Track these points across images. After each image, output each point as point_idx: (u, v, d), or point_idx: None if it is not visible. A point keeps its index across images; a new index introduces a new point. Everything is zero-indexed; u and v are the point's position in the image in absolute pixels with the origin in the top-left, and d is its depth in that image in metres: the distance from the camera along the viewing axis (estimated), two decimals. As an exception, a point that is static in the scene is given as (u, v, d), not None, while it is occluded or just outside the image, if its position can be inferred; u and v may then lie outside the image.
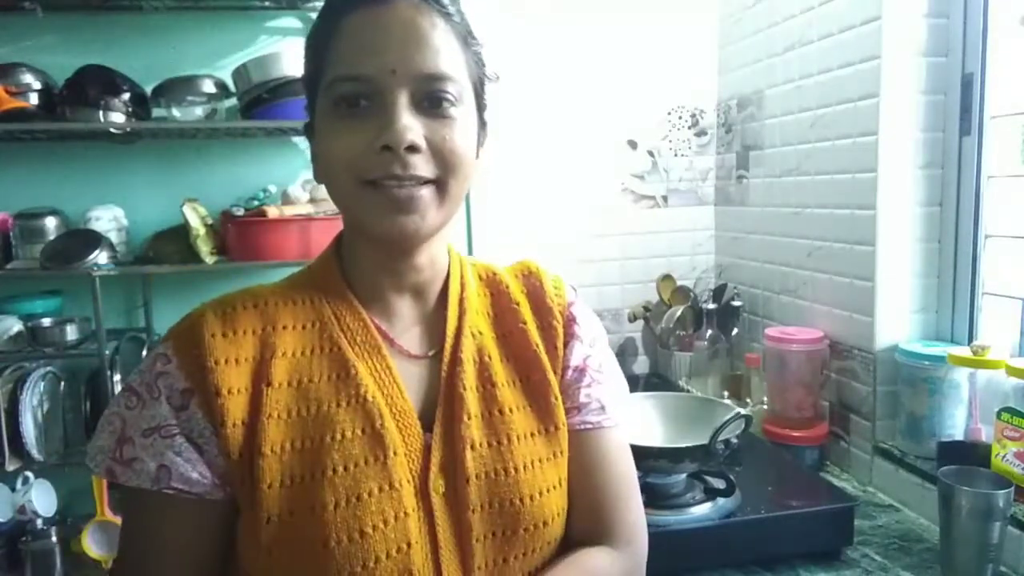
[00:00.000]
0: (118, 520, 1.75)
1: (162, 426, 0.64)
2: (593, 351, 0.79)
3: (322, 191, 1.83)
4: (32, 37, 1.82)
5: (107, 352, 1.72)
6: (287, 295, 0.72)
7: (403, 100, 0.64)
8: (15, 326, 1.73)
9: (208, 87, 1.81)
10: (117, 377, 1.74)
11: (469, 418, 0.70)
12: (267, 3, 1.87)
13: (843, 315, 1.56)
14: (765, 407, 1.66)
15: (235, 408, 0.64)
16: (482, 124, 0.74)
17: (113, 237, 1.80)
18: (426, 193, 0.65)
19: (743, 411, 1.19)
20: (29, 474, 1.77)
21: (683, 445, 1.16)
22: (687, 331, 1.96)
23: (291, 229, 1.77)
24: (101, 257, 1.72)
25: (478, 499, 0.68)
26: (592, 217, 2.08)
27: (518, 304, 0.78)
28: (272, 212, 1.76)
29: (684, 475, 1.23)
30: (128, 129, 1.74)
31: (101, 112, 1.69)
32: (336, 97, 0.65)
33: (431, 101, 0.65)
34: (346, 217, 0.71)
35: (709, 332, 1.95)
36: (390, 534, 0.64)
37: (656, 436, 1.27)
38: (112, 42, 1.84)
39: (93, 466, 0.66)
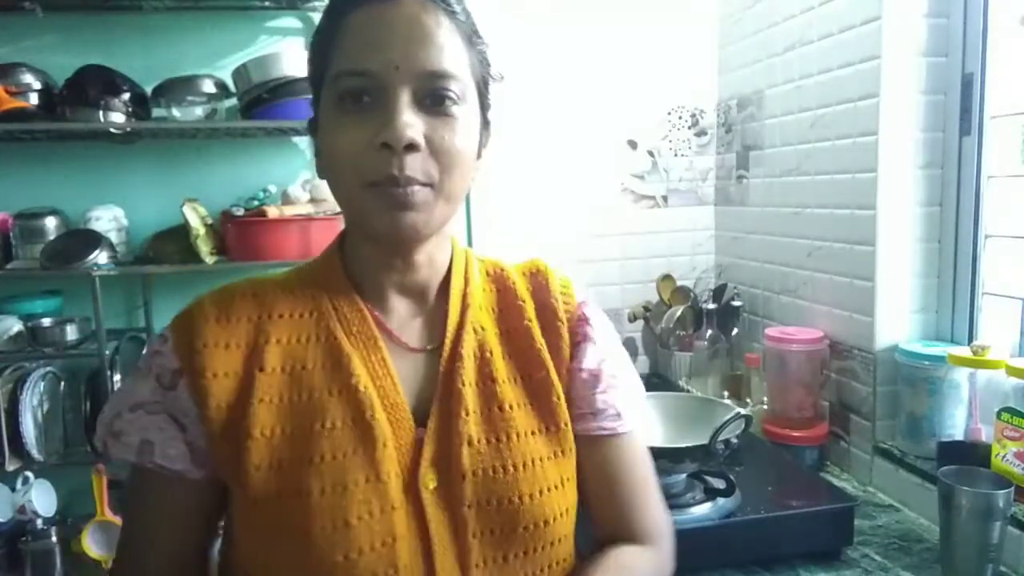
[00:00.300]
0: (118, 520, 1.75)
1: (148, 402, 0.68)
2: (608, 354, 0.78)
3: (322, 191, 1.83)
4: (32, 37, 1.82)
5: (107, 352, 1.72)
6: (287, 285, 0.73)
7: (405, 97, 0.64)
8: (15, 326, 1.73)
9: (208, 87, 1.81)
10: (117, 377, 1.74)
11: (467, 414, 0.69)
12: (267, 3, 1.87)
13: (843, 315, 1.56)
14: (765, 407, 1.66)
15: (220, 390, 0.66)
16: (485, 124, 0.73)
17: (113, 237, 1.80)
18: (426, 193, 0.65)
19: (743, 411, 1.20)
20: (29, 474, 1.78)
21: (683, 445, 1.16)
22: (687, 331, 1.96)
23: (291, 229, 1.77)
24: (101, 257, 1.72)
25: (474, 496, 0.67)
26: (592, 217, 2.08)
27: (523, 302, 0.77)
28: (272, 212, 1.76)
29: (684, 475, 1.23)
30: (128, 129, 1.74)
31: (101, 112, 1.69)
32: (340, 92, 0.65)
33: (433, 99, 0.65)
34: (347, 214, 0.71)
35: (709, 332, 1.95)
36: (375, 526, 0.64)
37: (656, 436, 1.27)
38: (112, 42, 1.84)
39: (95, 438, 0.71)
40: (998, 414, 1.19)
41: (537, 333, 0.76)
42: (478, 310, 0.75)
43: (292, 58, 1.75)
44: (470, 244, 1.98)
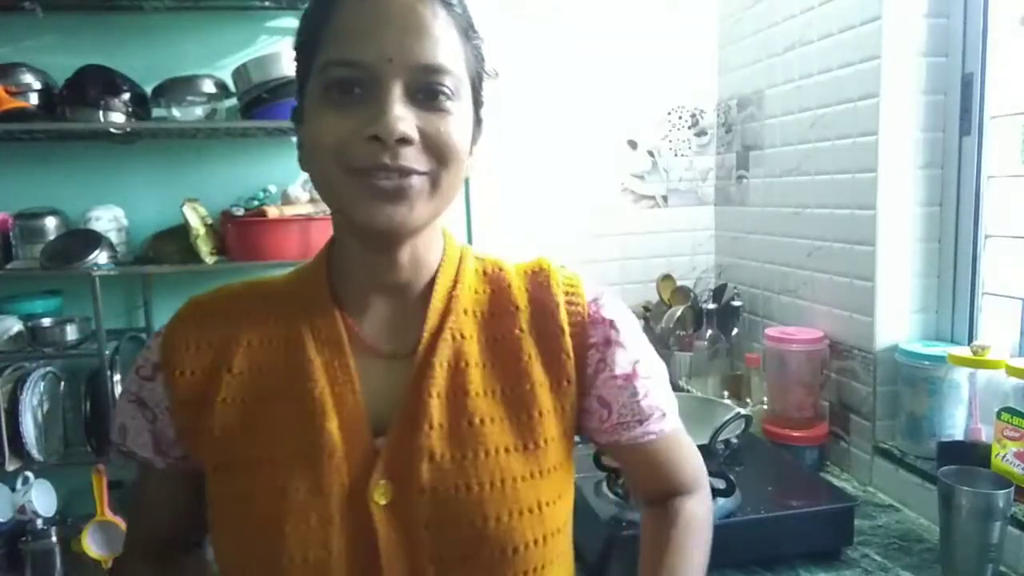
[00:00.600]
0: (118, 520, 1.75)
1: (129, 391, 0.72)
2: (639, 353, 0.73)
3: (322, 191, 1.83)
4: (32, 37, 1.82)
5: (107, 352, 1.72)
6: (273, 287, 0.73)
7: (397, 90, 0.60)
8: (15, 326, 1.73)
9: (208, 87, 1.81)
10: (117, 377, 1.74)
11: (431, 427, 0.65)
12: (267, 3, 1.87)
13: (843, 315, 1.56)
14: (765, 407, 1.66)
15: (186, 388, 0.68)
16: (477, 121, 0.70)
17: (113, 237, 1.80)
18: (417, 183, 0.62)
19: (743, 411, 1.20)
20: (29, 474, 1.78)
21: (683, 445, 1.16)
22: (687, 331, 1.96)
23: (291, 229, 1.77)
24: (101, 257, 1.72)
25: (434, 515, 0.63)
26: (592, 217, 2.08)
27: (516, 308, 0.71)
28: (272, 212, 1.76)
29: (684, 475, 1.23)
30: (128, 129, 1.74)
31: (101, 112, 1.69)
32: (328, 81, 0.62)
33: (427, 93, 0.62)
34: (331, 206, 0.67)
35: (709, 332, 1.95)
36: (310, 537, 0.61)
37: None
38: (112, 42, 1.84)
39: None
40: (998, 414, 1.19)
41: (527, 343, 0.70)
42: (462, 315, 0.70)
43: (292, 58, 1.75)
44: (470, 243, 1.98)
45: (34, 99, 1.71)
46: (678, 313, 1.93)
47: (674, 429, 0.76)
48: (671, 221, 2.14)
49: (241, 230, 1.79)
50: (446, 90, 0.62)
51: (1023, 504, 1.13)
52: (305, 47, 0.65)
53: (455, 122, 0.63)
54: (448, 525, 0.63)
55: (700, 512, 0.78)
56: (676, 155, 2.12)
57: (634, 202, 2.11)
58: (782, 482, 1.35)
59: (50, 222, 1.78)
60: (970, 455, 1.22)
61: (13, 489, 1.78)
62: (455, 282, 0.72)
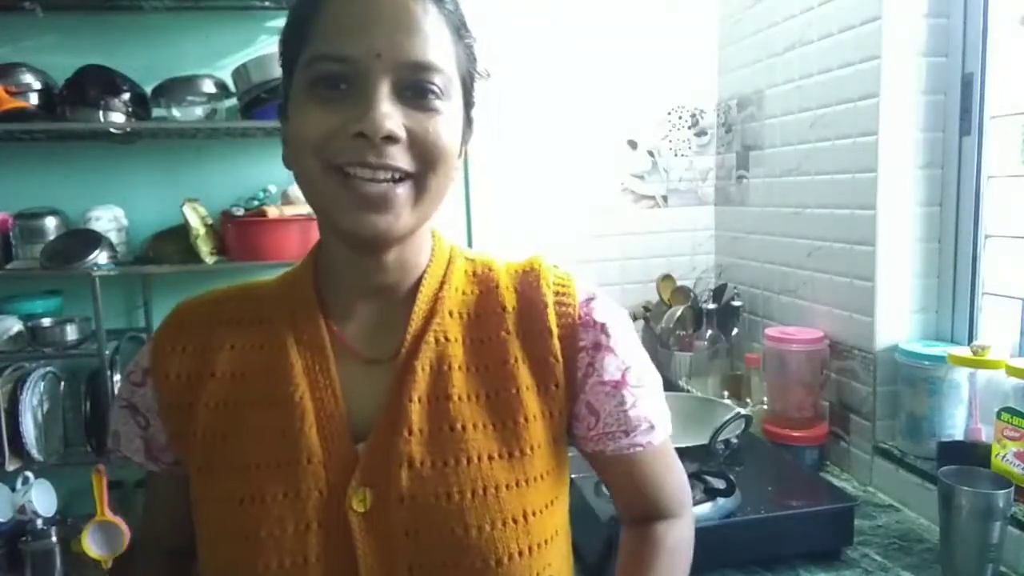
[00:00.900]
0: (118, 520, 1.75)
1: (122, 397, 0.72)
2: (631, 359, 0.70)
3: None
4: (32, 37, 1.82)
5: (107, 352, 1.72)
6: (258, 291, 0.73)
7: (385, 87, 0.59)
8: (15, 326, 1.73)
9: (208, 87, 1.81)
10: (117, 377, 1.74)
11: (410, 433, 0.63)
12: (267, 3, 1.87)
13: (843, 315, 1.56)
14: (765, 407, 1.66)
15: (171, 392, 0.68)
16: (468, 122, 0.68)
17: (113, 237, 1.80)
18: (402, 191, 0.60)
19: (743, 411, 1.20)
20: (29, 474, 1.77)
21: (683, 445, 1.16)
22: (687, 331, 1.96)
23: (291, 229, 1.77)
24: (101, 257, 1.72)
25: (413, 523, 0.61)
26: (592, 217, 2.08)
27: (503, 309, 0.69)
28: (272, 212, 1.76)
29: (684, 475, 1.23)
30: (128, 129, 1.74)
31: (101, 112, 1.69)
32: (315, 76, 0.60)
33: (415, 91, 0.60)
34: (314, 208, 0.64)
35: (709, 332, 1.95)
36: (286, 544, 0.60)
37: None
38: (112, 42, 1.84)
39: None
40: (998, 414, 1.19)
41: (513, 346, 0.68)
42: (447, 317, 0.68)
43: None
44: (470, 244, 1.98)
45: (34, 99, 1.71)
46: (678, 313, 1.93)
47: (662, 443, 0.73)
48: (671, 221, 2.14)
49: (241, 230, 1.79)
50: (435, 89, 0.61)
51: (1023, 504, 1.13)
52: (292, 41, 0.64)
53: (444, 122, 0.61)
54: (428, 534, 0.61)
55: (684, 538, 0.76)
56: (676, 155, 2.12)
57: (634, 202, 2.11)
58: (782, 482, 1.35)
59: (50, 222, 1.78)
60: (970, 455, 1.22)
61: (13, 489, 1.77)
62: (442, 283, 0.70)
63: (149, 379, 0.69)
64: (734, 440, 1.20)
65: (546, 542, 0.65)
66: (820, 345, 1.58)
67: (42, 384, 1.77)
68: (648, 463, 0.73)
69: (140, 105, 1.77)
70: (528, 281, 0.71)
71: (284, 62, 0.66)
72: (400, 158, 0.59)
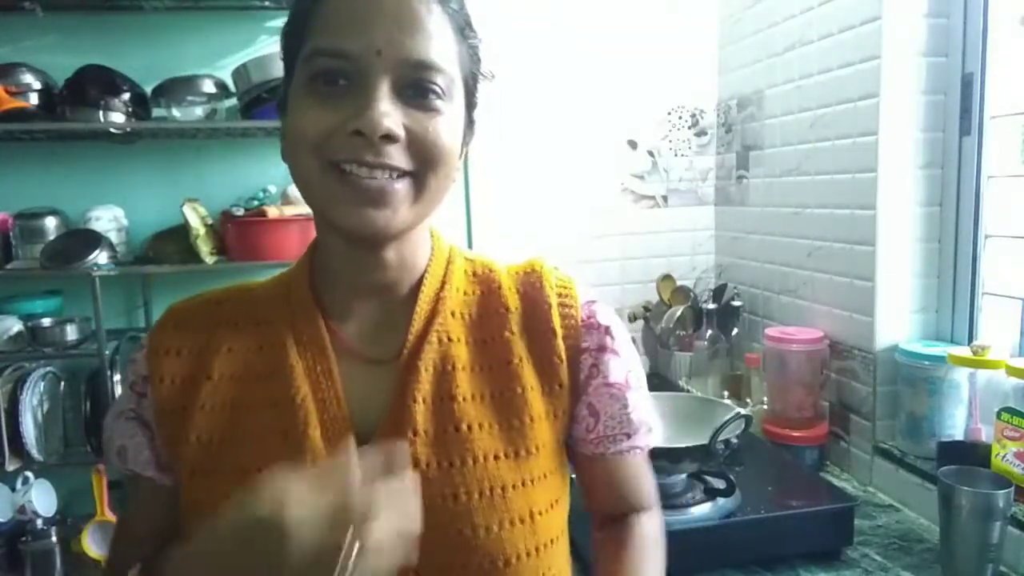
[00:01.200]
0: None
1: (126, 410, 0.69)
2: (632, 363, 0.72)
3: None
4: (32, 37, 1.82)
5: (107, 352, 1.72)
6: (253, 292, 0.71)
7: (385, 85, 0.58)
8: (15, 326, 1.73)
9: (208, 87, 1.81)
10: (117, 377, 1.74)
11: (415, 434, 0.62)
12: (267, 3, 1.87)
13: (843, 315, 1.56)
14: (765, 407, 1.66)
15: (167, 396, 0.66)
16: (469, 123, 0.67)
17: (113, 237, 1.80)
18: (400, 187, 0.59)
19: (743, 411, 1.20)
20: (29, 474, 1.78)
21: (683, 445, 1.16)
22: (687, 331, 1.96)
23: (291, 229, 1.77)
24: (101, 257, 1.72)
25: (420, 525, 0.59)
26: (592, 217, 2.08)
27: (506, 310, 0.69)
28: (272, 212, 1.76)
29: (684, 475, 1.23)
30: (128, 129, 1.74)
31: (101, 112, 1.69)
32: (314, 71, 0.59)
33: (416, 90, 0.59)
34: (310, 205, 0.63)
35: (709, 332, 1.95)
36: None
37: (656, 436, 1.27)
38: (112, 42, 1.84)
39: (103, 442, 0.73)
40: (998, 414, 1.19)
41: (518, 346, 0.68)
42: (449, 317, 0.68)
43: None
44: (470, 244, 1.98)
45: (34, 99, 1.71)
46: (678, 313, 1.93)
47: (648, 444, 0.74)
48: (671, 221, 2.13)
49: (241, 230, 1.79)
50: (437, 89, 0.60)
51: (1023, 504, 1.13)
52: (292, 34, 0.63)
53: (444, 123, 0.60)
54: (435, 536, 0.59)
55: (655, 528, 0.76)
56: (676, 155, 2.12)
57: (634, 202, 2.11)
58: (782, 482, 1.35)
59: (50, 222, 1.78)
60: (970, 455, 1.22)
61: (13, 489, 1.78)
62: (443, 283, 0.69)
63: (148, 386, 0.67)
64: (734, 440, 1.19)
65: (552, 542, 0.66)
66: (820, 345, 1.58)
67: (42, 384, 1.77)
68: (638, 463, 0.74)
69: (140, 105, 1.77)
70: (531, 282, 0.71)
71: (285, 56, 0.65)
72: (398, 157, 0.58)
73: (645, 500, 0.76)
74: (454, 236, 0.75)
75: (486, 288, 0.71)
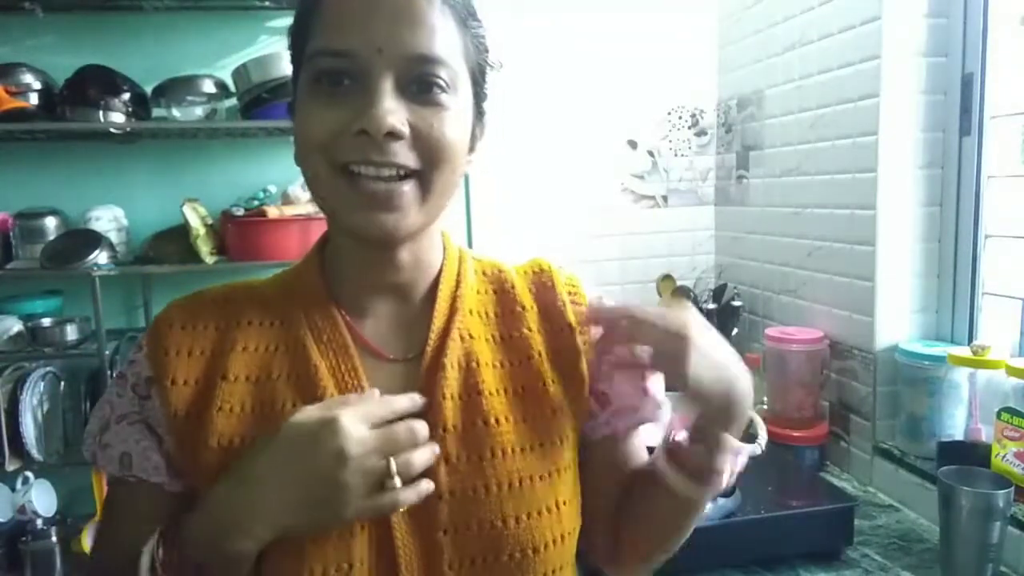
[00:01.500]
0: (118, 520, 1.75)
1: (128, 413, 0.65)
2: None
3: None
4: (32, 37, 1.82)
5: (107, 352, 1.72)
6: (262, 290, 0.70)
7: (388, 82, 0.57)
8: (15, 326, 1.73)
9: (208, 87, 1.81)
10: (117, 377, 1.74)
11: (445, 430, 0.63)
12: (267, 3, 1.87)
13: (843, 315, 1.56)
14: (765, 407, 1.66)
15: (179, 399, 0.63)
16: (479, 115, 0.67)
17: (113, 237, 1.80)
18: (408, 189, 0.59)
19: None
20: (29, 474, 1.78)
21: (683, 445, 1.16)
22: (687, 331, 1.95)
23: (291, 229, 1.77)
24: (101, 257, 1.72)
25: (451, 520, 0.61)
26: (592, 217, 2.08)
27: (522, 308, 0.71)
28: (272, 212, 1.77)
29: (684, 475, 1.23)
30: (128, 129, 1.75)
31: (101, 112, 1.69)
32: (317, 72, 0.59)
33: (420, 86, 0.59)
34: (321, 208, 0.64)
35: (709, 332, 1.94)
36: (330, 551, 0.59)
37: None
38: (112, 42, 1.85)
39: (84, 449, 0.68)
40: (998, 414, 1.19)
41: (536, 342, 0.69)
42: (468, 315, 0.69)
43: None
44: (470, 244, 1.98)
45: (34, 99, 1.71)
46: (678, 313, 1.93)
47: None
48: (671, 221, 2.14)
49: (241, 230, 1.79)
50: (441, 82, 0.59)
51: (1023, 504, 1.13)
52: (297, 36, 0.63)
53: (450, 117, 0.60)
54: (466, 529, 0.62)
55: None
56: (676, 155, 2.12)
57: (634, 202, 2.11)
58: (782, 482, 1.35)
59: (50, 222, 1.79)
60: (970, 455, 1.22)
61: (13, 489, 1.78)
62: (457, 282, 0.70)
63: (154, 387, 0.65)
64: (734, 440, 1.20)
65: (574, 530, 0.67)
66: (820, 345, 1.58)
67: (42, 384, 1.77)
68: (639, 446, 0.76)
69: (140, 105, 1.77)
70: (542, 281, 0.73)
71: (292, 58, 0.65)
72: (404, 155, 0.58)
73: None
74: (454, 236, 0.75)
75: (499, 287, 0.72)
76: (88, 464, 1.75)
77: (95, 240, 1.74)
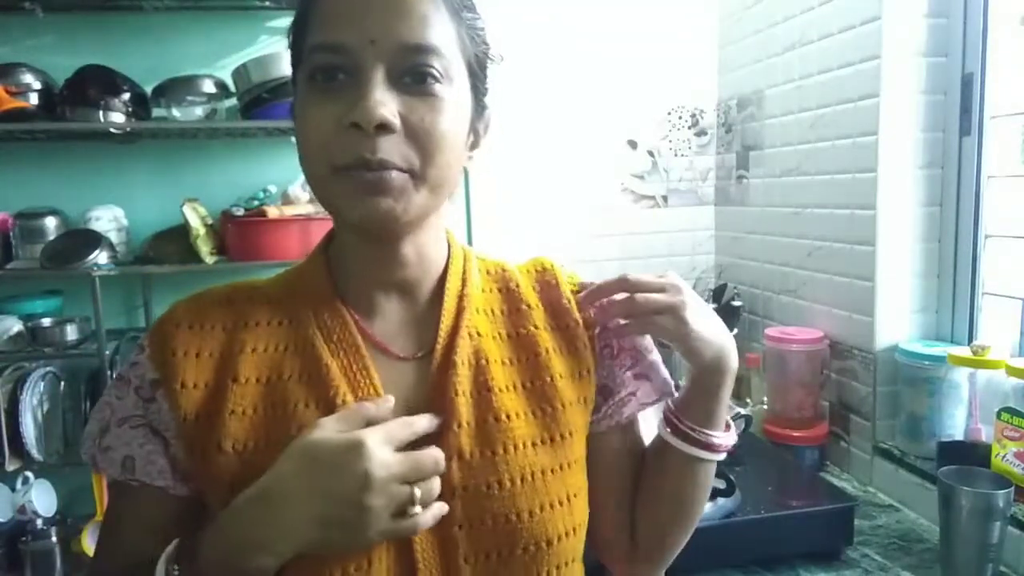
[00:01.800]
0: (118, 520, 1.75)
1: (131, 416, 0.65)
2: (645, 339, 0.76)
3: (322, 191, 1.83)
4: (32, 37, 1.82)
5: (107, 352, 1.72)
6: (267, 290, 0.69)
7: (379, 74, 0.57)
8: (15, 326, 1.73)
9: (208, 87, 1.81)
10: (117, 377, 1.74)
11: (459, 426, 0.63)
12: (267, 3, 1.87)
13: (843, 315, 1.56)
14: (765, 407, 1.66)
15: (189, 402, 0.63)
16: (480, 108, 0.66)
17: (113, 237, 1.80)
18: (397, 175, 0.59)
19: (743, 411, 1.20)
20: (29, 474, 1.78)
21: (683, 445, 1.16)
22: (687, 331, 1.95)
23: (291, 229, 1.77)
24: (101, 257, 1.72)
25: (465, 515, 0.62)
26: (592, 217, 2.08)
27: (528, 306, 0.72)
28: (272, 212, 1.77)
29: (684, 475, 1.23)
30: (128, 129, 1.74)
31: (101, 112, 1.69)
32: (313, 67, 0.59)
33: (413, 76, 0.59)
34: (324, 205, 0.64)
35: (709, 332, 1.94)
36: (349, 551, 0.59)
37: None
38: (112, 42, 1.85)
39: (83, 452, 0.67)
40: (998, 414, 1.19)
41: (544, 338, 0.70)
42: (475, 313, 0.69)
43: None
44: (470, 244, 1.97)
45: (34, 99, 1.71)
46: (678, 313, 1.93)
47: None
48: (671, 221, 2.14)
49: (241, 230, 1.79)
50: (434, 72, 0.59)
51: (1023, 504, 1.13)
52: (296, 36, 0.63)
53: (444, 108, 0.60)
54: (480, 523, 0.62)
55: None
56: (676, 155, 2.12)
57: (634, 202, 2.11)
58: (782, 482, 1.35)
59: (50, 222, 1.78)
60: (970, 455, 1.22)
61: (13, 489, 1.78)
62: (463, 281, 0.71)
63: (160, 390, 0.64)
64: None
65: (584, 523, 0.69)
66: (820, 345, 1.58)
67: (42, 384, 1.77)
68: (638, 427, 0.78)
69: (140, 105, 1.77)
70: (546, 280, 0.74)
71: (292, 58, 0.65)
72: (396, 152, 0.58)
73: None
74: (451, 231, 0.75)
75: (503, 286, 0.73)
76: (88, 464, 1.77)
77: (95, 240, 1.74)
